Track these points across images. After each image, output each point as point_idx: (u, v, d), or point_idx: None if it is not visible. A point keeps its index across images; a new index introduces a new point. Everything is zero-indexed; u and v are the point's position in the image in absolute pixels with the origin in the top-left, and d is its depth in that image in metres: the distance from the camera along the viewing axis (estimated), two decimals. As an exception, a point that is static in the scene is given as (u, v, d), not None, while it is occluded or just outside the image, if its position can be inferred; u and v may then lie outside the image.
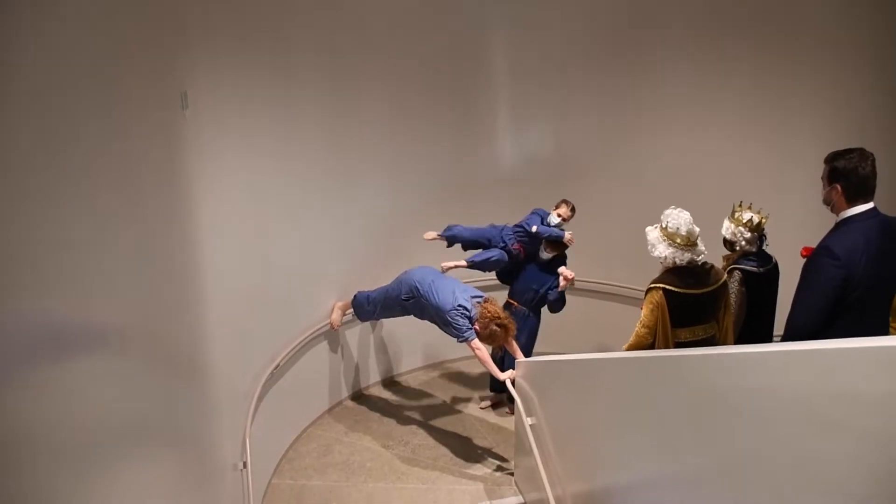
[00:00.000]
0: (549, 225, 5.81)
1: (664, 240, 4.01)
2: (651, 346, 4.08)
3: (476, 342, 5.04)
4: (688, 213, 4.01)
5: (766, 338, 4.41)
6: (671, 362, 2.77)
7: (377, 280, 5.91)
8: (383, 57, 5.93)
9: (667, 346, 4.05)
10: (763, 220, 4.30)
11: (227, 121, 4.34)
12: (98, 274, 1.93)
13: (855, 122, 5.70)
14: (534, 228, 5.77)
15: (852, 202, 3.11)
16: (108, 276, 2.02)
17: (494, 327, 4.99)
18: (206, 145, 3.89)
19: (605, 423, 3.50)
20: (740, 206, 4.38)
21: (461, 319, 5.05)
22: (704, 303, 4.08)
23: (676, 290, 3.99)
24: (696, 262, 4.01)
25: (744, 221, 4.27)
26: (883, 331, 3.29)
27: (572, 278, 5.71)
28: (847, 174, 3.09)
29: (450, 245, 6.22)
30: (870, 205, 3.11)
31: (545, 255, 5.85)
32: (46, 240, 1.58)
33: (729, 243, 4.43)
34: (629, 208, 6.33)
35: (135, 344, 2.29)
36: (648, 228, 4.13)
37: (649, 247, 4.08)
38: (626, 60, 6.41)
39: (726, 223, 4.34)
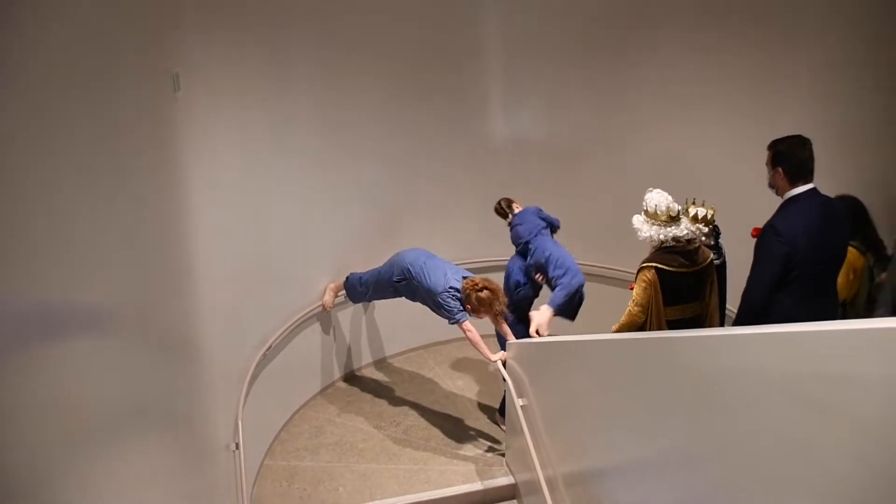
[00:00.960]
0: None
1: (647, 221, 4.09)
2: (643, 325, 4.14)
3: (467, 324, 5.05)
4: (664, 192, 4.11)
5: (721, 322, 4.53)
6: (662, 344, 2.79)
7: (369, 261, 5.91)
8: (377, 37, 5.89)
9: (659, 325, 4.12)
10: (711, 213, 4.34)
11: (220, 102, 4.31)
12: (90, 256, 1.92)
13: (845, 112, 5.72)
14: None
15: (794, 183, 3.41)
16: (100, 257, 2.02)
17: (478, 294, 4.98)
18: (198, 126, 3.87)
19: (595, 405, 3.52)
20: (694, 202, 4.40)
21: (453, 301, 5.06)
22: (693, 282, 4.16)
23: (668, 268, 4.06)
24: (682, 238, 4.07)
25: (699, 218, 4.30)
26: (830, 303, 3.51)
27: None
28: (787, 158, 3.39)
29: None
30: (810, 185, 3.39)
31: None
32: (36, 221, 1.58)
33: (689, 241, 4.45)
34: (620, 190, 6.31)
35: (127, 325, 2.29)
36: (634, 217, 4.21)
37: (637, 233, 4.16)
38: (622, 43, 6.39)
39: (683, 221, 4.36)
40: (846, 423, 1.61)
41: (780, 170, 3.44)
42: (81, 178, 1.91)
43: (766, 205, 3.65)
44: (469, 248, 6.71)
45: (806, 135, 3.53)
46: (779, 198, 3.61)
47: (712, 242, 4.38)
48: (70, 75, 1.89)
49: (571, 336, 3.95)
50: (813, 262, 3.35)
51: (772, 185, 3.56)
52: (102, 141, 2.15)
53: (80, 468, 1.68)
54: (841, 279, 3.79)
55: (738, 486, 2.07)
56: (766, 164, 3.52)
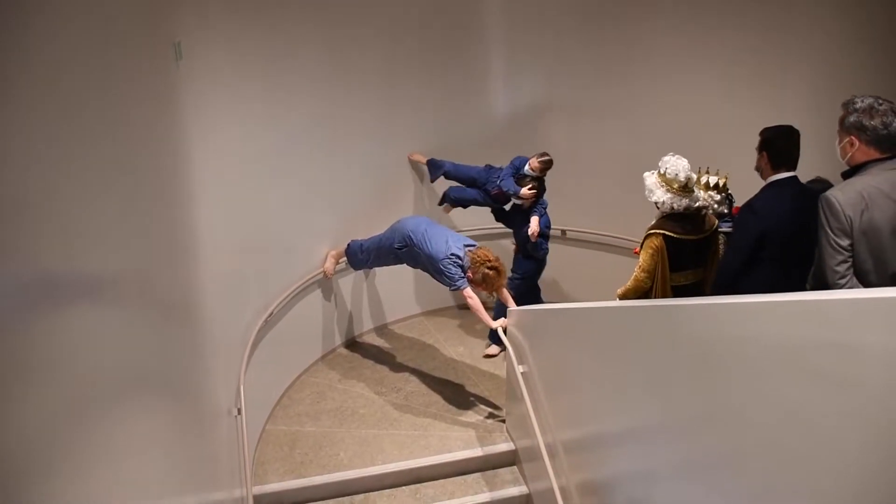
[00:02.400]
0: (523, 174, 5.92)
1: (662, 185, 4.09)
2: (649, 291, 4.16)
3: (468, 291, 5.07)
4: (685, 160, 4.08)
5: None
6: (662, 312, 2.79)
7: (370, 228, 5.90)
8: (377, 7, 5.83)
9: (664, 290, 4.15)
10: (724, 181, 4.34)
11: (220, 71, 4.27)
12: (89, 222, 1.91)
13: (847, 73, 5.65)
14: (503, 188, 6.00)
15: (776, 169, 3.56)
16: (100, 224, 2.01)
17: (486, 270, 5.01)
18: (198, 95, 3.84)
19: (595, 372, 3.54)
20: (706, 171, 4.40)
21: (454, 268, 5.06)
22: (698, 248, 4.19)
23: (675, 235, 4.07)
24: (693, 207, 4.08)
25: (711, 186, 4.31)
26: (801, 286, 3.51)
27: (533, 233, 5.87)
28: (773, 145, 3.56)
29: (433, 179, 6.47)
30: (791, 173, 3.54)
31: (519, 202, 6.02)
32: (35, 187, 1.56)
33: (703, 209, 4.46)
34: (621, 157, 6.28)
35: (128, 294, 2.28)
36: (646, 174, 4.21)
37: (647, 192, 4.17)
38: (622, 5, 6.30)
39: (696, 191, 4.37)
40: (848, 392, 1.62)
41: (765, 154, 3.59)
42: (83, 148, 1.89)
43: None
44: (468, 216, 6.69)
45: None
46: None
47: (725, 210, 4.38)
48: (72, 46, 1.86)
49: (572, 304, 3.96)
50: (785, 243, 3.48)
51: (757, 168, 3.70)
52: (104, 111, 2.12)
53: (82, 434, 1.68)
54: None
55: (739, 454, 2.08)
56: (756, 149, 3.66)
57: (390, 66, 6.12)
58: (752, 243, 3.50)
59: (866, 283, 2.83)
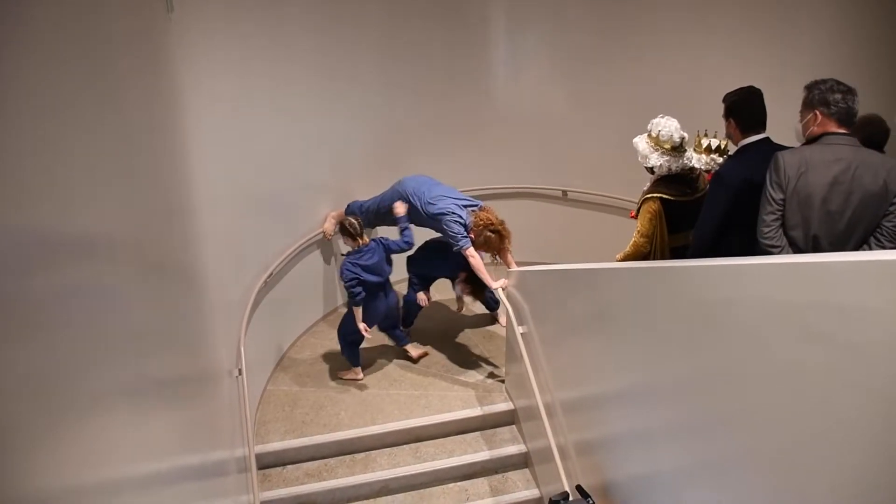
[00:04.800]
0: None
1: (656, 149, 4.05)
2: (648, 255, 4.16)
3: (471, 250, 5.06)
4: (675, 120, 4.06)
5: None
6: (661, 273, 2.79)
7: (370, 188, 5.87)
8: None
9: (663, 253, 4.15)
10: (725, 143, 4.31)
11: (215, 23, 4.20)
12: (82, 182, 1.89)
13: (855, 43, 5.58)
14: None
15: (745, 133, 3.54)
16: (93, 184, 1.99)
17: (488, 233, 5.01)
18: (193, 50, 3.78)
19: (594, 333, 3.54)
20: (704, 134, 4.37)
21: (456, 227, 5.06)
22: (693, 209, 4.16)
23: (671, 198, 4.05)
24: (688, 167, 4.05)
25: (713, 149, 4.29)
26: None
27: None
28: (738, 109, 3.54)
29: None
30: (762, 135, 3.52)
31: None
32: (25, 147, 1.54)
33: (695, 169, 4.44)
34: (622, 118, 6.23)
35: (124, 254, 2.27)
36: (636, 140, 4.17)
37: (641, 158, 4.14)
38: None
39: (696, 156, 4.34)
40: (848, 354, 1.61)
41: (731, 121, 3.58)
42: (74, 106, 1.86)
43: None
44: (470, 175, 6.66)
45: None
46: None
47: None
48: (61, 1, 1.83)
49: (572, 265, 3.95)
50: (754, 208, 3.46)
51: (728, 136, 3.70)
52: (95, 68, 2.08)
53: (79, 395, 1.69)
54: None
55: (738, 415, 2.09)
56: (722, 117, 3.65)
57: (392, 20, 6.02)
58: (723, 213, 3.52)
59: (790, 239, 3.08)
